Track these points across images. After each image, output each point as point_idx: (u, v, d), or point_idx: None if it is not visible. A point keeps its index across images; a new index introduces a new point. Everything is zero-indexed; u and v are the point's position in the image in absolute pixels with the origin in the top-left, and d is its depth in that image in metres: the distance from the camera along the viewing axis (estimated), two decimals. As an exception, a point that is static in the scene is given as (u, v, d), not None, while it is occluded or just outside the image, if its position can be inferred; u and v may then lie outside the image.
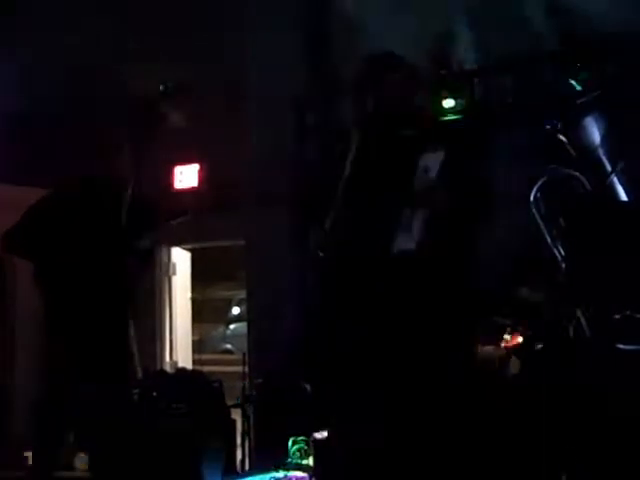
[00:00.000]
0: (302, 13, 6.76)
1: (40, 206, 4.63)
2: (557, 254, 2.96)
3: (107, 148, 4.74)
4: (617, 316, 2.91)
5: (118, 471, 4.53)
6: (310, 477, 4.60)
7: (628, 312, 2.87)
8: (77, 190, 4.62)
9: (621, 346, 2.98)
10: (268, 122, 6.66)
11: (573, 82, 5.23)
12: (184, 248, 7.88)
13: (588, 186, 2.88)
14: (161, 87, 3.84)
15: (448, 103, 5.91)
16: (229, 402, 5.56)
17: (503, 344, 4.40)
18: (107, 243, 4.47)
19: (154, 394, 5.14)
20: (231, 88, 6.78)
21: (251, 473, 5.11)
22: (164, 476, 4.82)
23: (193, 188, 7.24)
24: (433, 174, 3.30)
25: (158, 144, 4.80)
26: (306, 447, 4.94)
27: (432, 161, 3.32)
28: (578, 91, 5.12)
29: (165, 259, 7.69)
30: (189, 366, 7.52)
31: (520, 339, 4.35)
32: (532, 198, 2.91)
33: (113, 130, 5.81)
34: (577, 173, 2.91)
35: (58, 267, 4.50)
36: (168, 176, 7.25)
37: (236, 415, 5.56)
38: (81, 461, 5.37)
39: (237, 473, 5.32)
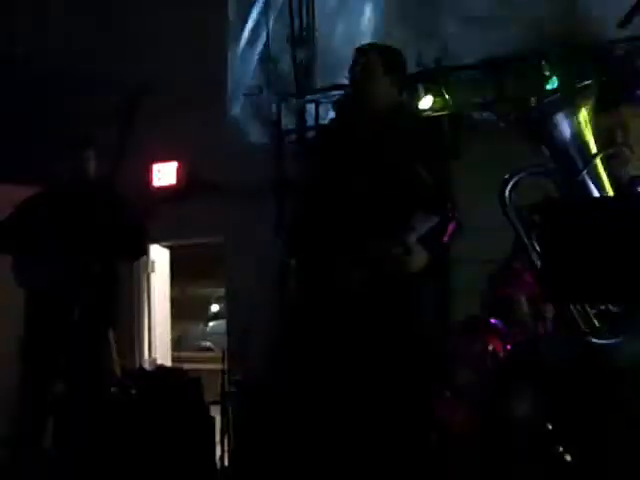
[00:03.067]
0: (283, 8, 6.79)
1: (25, 206, 4.63)
2: (533, 251, 2.99)
3: (86, 147, 4.74)
4: (593, 310, 2.95)
5: (97, 469, 4.54)
6: None
7: (603, 307, 2.91)
8: (60, 192, 4.63)
9: (595, 340, 3.01)
10: (247, 118, 6.67)
11: (545, 80, 5.31)
12: (163, 245, 7.88)
13: (561, 183, 2.92)
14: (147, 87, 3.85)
15: (425, 102, 5.94)
16: (208, 399, 5.57)
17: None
18: (87, 243, 4.48)
19: (133, 392, 5.14)
20: (209, 84, 6.78)
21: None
22: (143, 474, 4.83)
23: (171, 186, 7.23)
24: (414, 236, 3.31)
25: (136, 142, 4.81)
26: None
27: (419, 220, 3.33)
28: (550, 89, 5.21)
29: (144, 256, 7.68)
30: (168, 363, 7.52)
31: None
32: (506, 196, 2.93)
33: (91, 129, 5.82)
34: (550, 170, 2.95)
35: (40, 265, 4.50)
36: (146, 174, 7.25)
37: (215, 412, 5.57)
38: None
39: (216, 470, 5.33)
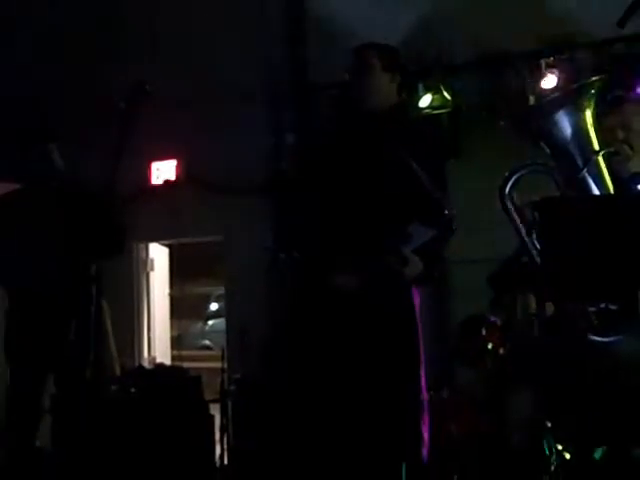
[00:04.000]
0: (274, 10, 6.80)
1: (3, 204, 4.64)
2: (532, 248, 2.99)
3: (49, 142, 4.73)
4: (592, 308, 2.95)
5: (96, 468, 4.53)
6: None
7: (603, 305, 2.91)
8: (43, 190, 4.62)
9: (596, 338, 3.02)
10: (247, 118, 6.67)
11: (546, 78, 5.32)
12: (162, 244, 7.87)
13: (561, 181, 2.92)
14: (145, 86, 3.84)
15: (425, 100, 5.94)
16: (208, 397, 5.56)
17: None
18: (75, 240, 4.47)
19: (132, 390, 5.14)
20: (205, 85, 6.79)
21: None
22: (142, 472, 4.82)
23: (170, 183, 7.23)
24: (412, 245, 3.28)
25: (135, 140, 4.80)
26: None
27: (417, 232, 3.29)
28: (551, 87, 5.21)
29: (143, 255, 7.68)
30: (168, 362, 7.51)
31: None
32: (506, 192, 2.93)
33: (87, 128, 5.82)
34: (550, 168, 2.95)
35: (20, 266, 4.51)
36: (145, 172, 7.25)
37: (215, 411, 5.56)
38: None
39: (216, 469, 5.33)
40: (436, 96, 5.96)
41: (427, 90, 5.94)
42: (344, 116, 3.64)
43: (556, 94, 2.92)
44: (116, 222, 4.61)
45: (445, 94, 5.92)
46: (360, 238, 3.37)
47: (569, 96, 2.91)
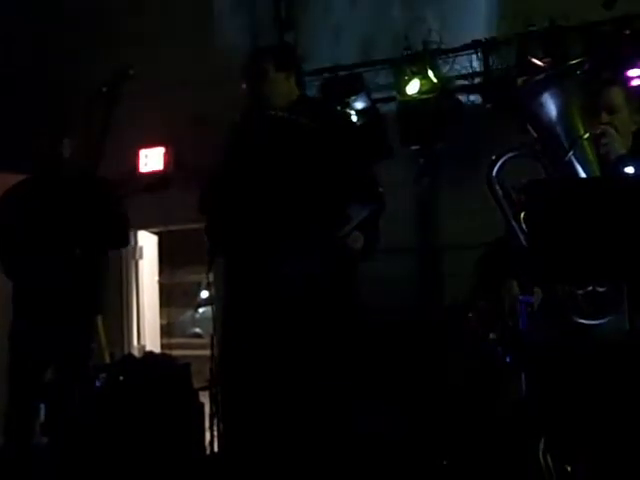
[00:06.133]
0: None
1: (4, 199, 4.61)
2: (519, 231, 2.98)
3: (69, 132, 4.71)
4: (580, 291, 2.94)
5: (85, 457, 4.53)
6: None
7: (590, 287, 2.90)
8: (47, 181, 4.60)
9: (583, 321, 3.01)
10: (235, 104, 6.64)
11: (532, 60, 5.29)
12: (151, 231, 7.84)
13: (547, 164, 2.90)
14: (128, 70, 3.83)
15: (413, 86, 5.92)
16: (198, 385, 5.55)
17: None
18: (70, 229, 4.45)
19: (121, 378, 5.13)
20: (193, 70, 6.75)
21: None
22: (132, 460, 4.82)
23: (158, 171, 7.20)
24: (352, 224, 3.49)
25: (122, 127, 4.77)
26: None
27: (356, 212, 3.48)
28: (537, 68, 5.18)
29: (132, 242, 7.65)
30: (157, 350, 7.50)
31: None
32: (493, 175, 2.92)
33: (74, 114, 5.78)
34: (536, 151, 2.94)
35: (23, 255, 4.48)
36: (133, 159, 7.21)
37: (204, 398, 5.55)
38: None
39: (206, 457, 5.33)
40: (424, 81, 5.94)
41: (414, 75, 5.92)
42: (249, 121, 3.70)
43: (542, 75, 2.90)
44: (119, 213, 4.60)
45: (433, 78, 5.90)
46: (303, 223, 3.50)
47: (555, 78, 2.90)
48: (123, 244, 4.93)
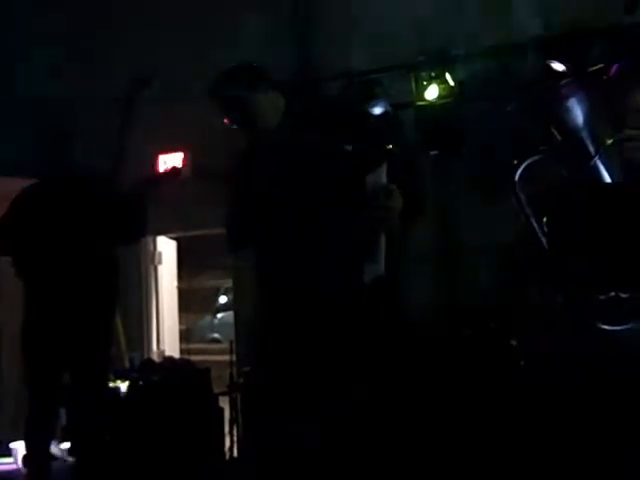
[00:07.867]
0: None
1: (20, 201, 4.62)
2: (541, 236, 2.96)
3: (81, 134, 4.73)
4: (602, 297, 2.92)
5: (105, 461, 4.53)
6: None
7: (613, 293, 2.88)
8: (60, 182, 4.61)
9: (606, 327, 2.99)
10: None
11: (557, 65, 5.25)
12: (170, 237, 7.86)
13: (572, 168, 2.89)
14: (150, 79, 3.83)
15: (431, 92, 5.90)
16: (217, 390, 5.56)
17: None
18: (90, 234, 4.46)
19: (141, 384, 5.14)
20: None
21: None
22: (152, 464, 4.83)
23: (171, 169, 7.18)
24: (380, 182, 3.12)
25: (141, 133, 4.78)
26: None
27: (375, 175, 3.15)
28: (562, 74, 5.14)
29: (151, 248, 7.66)
30: (176, 356, 7.51)
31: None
32: (517, 180, 2.90)
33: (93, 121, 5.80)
34: (561, 155, 2.92)
35: (40, 258, 4.48)
36: (152, 165, 7.22)
37: (224, 403, 5.56)
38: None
39: (225, 461, 5.33)
40: (442, 86, 5.91)
41: (432, 80, 5.90)
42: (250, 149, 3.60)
43: (569, 80, 2.88)
44: (134, 206, 4.59)
45: (451, 83, 5.87)
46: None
47: (582, 83, 2.88)
48: (138, 236, 4.88)
